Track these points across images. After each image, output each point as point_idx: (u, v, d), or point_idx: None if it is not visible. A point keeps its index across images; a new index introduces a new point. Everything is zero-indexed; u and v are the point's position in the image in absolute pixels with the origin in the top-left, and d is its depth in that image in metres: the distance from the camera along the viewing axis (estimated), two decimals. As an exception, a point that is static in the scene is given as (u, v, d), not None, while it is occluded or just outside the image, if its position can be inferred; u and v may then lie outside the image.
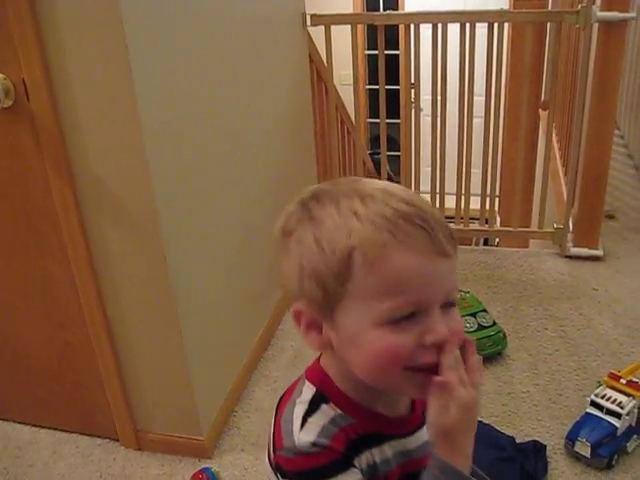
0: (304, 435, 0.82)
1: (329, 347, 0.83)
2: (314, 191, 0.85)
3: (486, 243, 5.20)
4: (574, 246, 3.26)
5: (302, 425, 0.83)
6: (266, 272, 2.69)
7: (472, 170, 3.30)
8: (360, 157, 3.58)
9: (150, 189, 1.81)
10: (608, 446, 2.06)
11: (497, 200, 3.62)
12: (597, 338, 2.68)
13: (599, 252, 3.25)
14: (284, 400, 0.92)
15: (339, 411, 0.84)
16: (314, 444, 0.80)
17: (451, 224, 3.37)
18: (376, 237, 0.75)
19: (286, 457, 0.82)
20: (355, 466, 0.83)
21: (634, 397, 2.11)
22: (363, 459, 0.84)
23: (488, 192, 3.32)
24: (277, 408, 0.93)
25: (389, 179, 5.34)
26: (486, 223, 3.47)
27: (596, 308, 2.89)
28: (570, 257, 3.25)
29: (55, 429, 2.37)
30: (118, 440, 2.29)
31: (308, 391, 0.87)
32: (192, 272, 2.09)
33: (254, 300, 2.65)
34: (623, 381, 2.15)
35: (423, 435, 0.89)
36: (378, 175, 3.62)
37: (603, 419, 2.08)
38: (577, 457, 2.11)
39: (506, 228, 3.54)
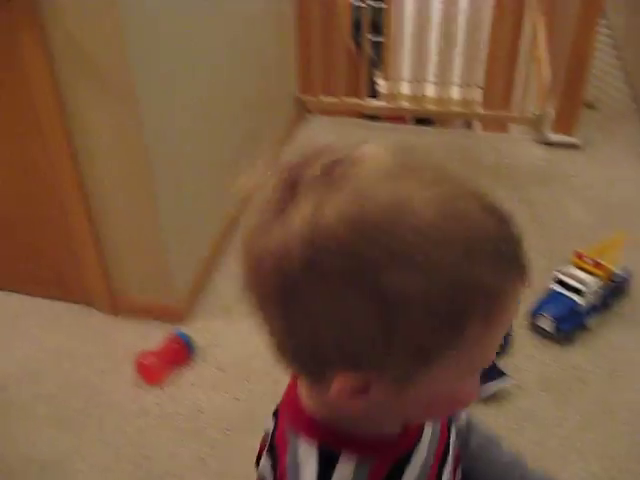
0: None
1: (369, 407, 0.61)
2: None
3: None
4: (553, 133, 3.26)
5: None
6: (243, 136, 2.69)
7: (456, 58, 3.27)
8: (343, 41, 3.51)
9: (124, 48, 1.78)
10: (570, 322, 2.14)
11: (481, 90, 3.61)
12: (568, 222, 2.73)
13: (577, 140, 3.26)
14: (280, 451, 0.72)
15: (355, 457, 0.66)
16: None
17: (430, 106, 3.35)
18: (503, 287, 0.56)
19: None
20: None
21: (598, 276, 2.17)
22: None
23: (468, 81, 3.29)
24: (272, 453, 0.75)
25: (372, 65, 5.25)
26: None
27: (570, 194, 2.92)
28: (548, 144, 3.26)
29: (29, 294, 2.41)
30: (93, 305, 2.33)
31: (309, 457, 0.67)
32: (168, 134, 2.08)
33: (232, 163, 2.64)
34: (589, 261, 2.20)
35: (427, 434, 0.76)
36: (360, 59, 3.53)
37: (566, 296, 2.15)
38: (540, 331, 2.19)
39: (486, 112, 3.52)
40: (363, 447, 0.67)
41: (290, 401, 0.73)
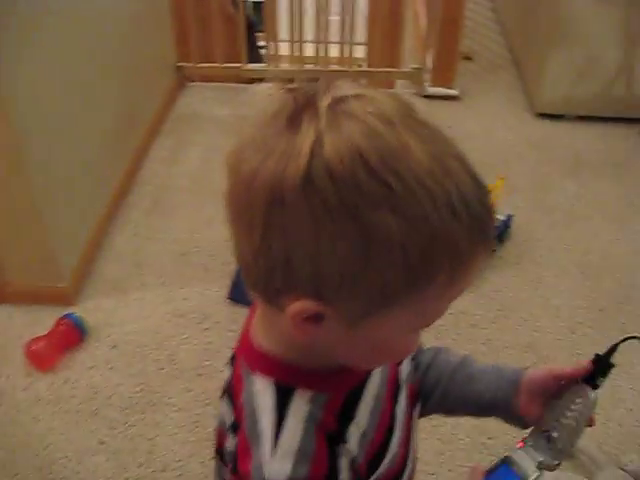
0: (278, 464, 0.65)
1: (323, 339, 0.63)
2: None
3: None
4: (431, 86, 3.33)
5: (273, 448, 0.66)
6: (123, 109, 2.62)
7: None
8: (221, 5, 3.44)
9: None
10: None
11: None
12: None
13: (455, 92, 3.34)
14: (237, 391, 0.73)
15: (310, 392, 0.68)
16: (291, 479, 0.65)
17: (310, 66, 3.35)
18: (472, 246, 0.58)
19: None
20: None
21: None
22: (345, 449, 0.70)
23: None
24: (229, 396, 0.75)
25: (254, 28, 5.18)
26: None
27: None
28: (428, 97, 3.32)
29: None
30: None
31: (265, 391, 0.69)
32: (41, 111, 2.01)
33: (111, 145, 2.58)
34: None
35: None
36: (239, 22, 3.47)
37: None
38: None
39: (365, 69, 3.54)
40: (317, 382, 0.69)
41: (245, 343, 0.73)
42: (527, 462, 0.77)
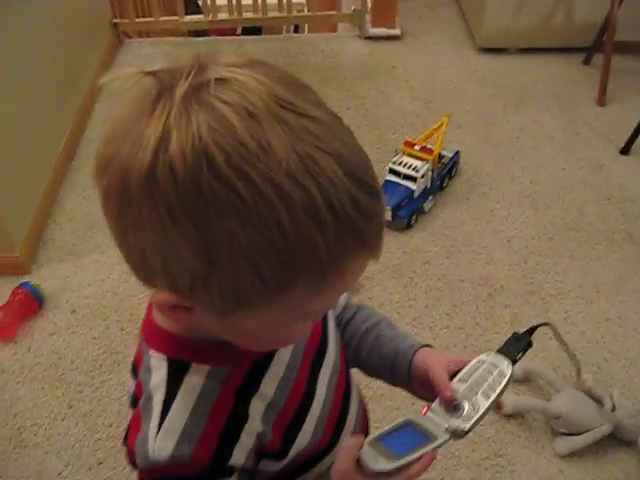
0: (161, 441, 0.64)
1: (199, 325, 0.62)
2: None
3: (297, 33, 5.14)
4: (373, 27, 3.31)
5: (160, 424, 0.65)
6: (61, 70, 2.57)
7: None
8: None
9: None
10: (406, 208, 2.24)
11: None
12: (396, 112, 2.81)
13: (397, 31, 3.33)
14: (138, 366, 0.72)
15: (207, 367, 0.66)
16: (172, 457, 0.64)
17: (248, 13, 3.30)
18: (341, 254, 0.54)
19: (140, 465, 0.66)
20: (230, 470, 0.67)
21: (427, 161, 2.27)
22: (245, 439, 0.68)
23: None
24: (134, 371, 0.76)
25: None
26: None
27: (395, 85, 3.00)
28: (370, 38, 3.30)
29: None
30: None
31: (159, 366, 0.67)
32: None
33: (52, 109, 2.53)
34: (417, 147, 2.29)
35: None
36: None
37: (400, 184, 2.24)
38: (380, 222, 2.27)
39: (305, 14, 3.50)
40: (215, 356, 0.67)
41: (146, 319, 0.71)
42: (433, 426, 0.72)
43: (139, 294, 2.10)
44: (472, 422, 0.73)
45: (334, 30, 3.86)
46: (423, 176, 2.24)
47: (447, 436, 0.71)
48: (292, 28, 5.25)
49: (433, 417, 0.74)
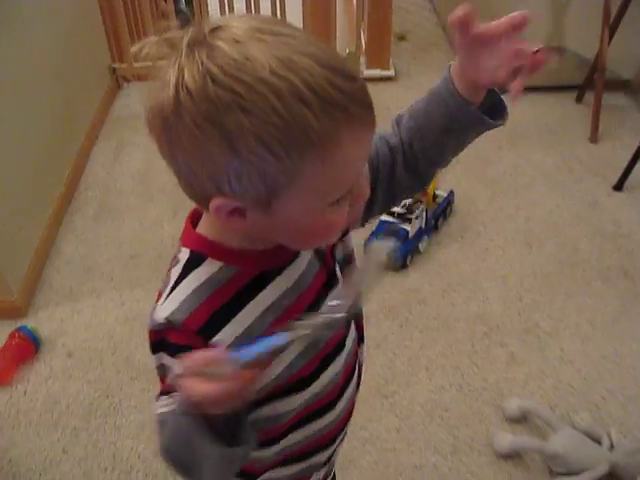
0: (163, 306, 0.77)
1: (252, 227, 0.73)
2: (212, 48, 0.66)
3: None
4: (367, 68, 3.36)
5: (168, 295, 0.77)
6: (59, 115, 2.60)
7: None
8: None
9: None
10: (402, 248, 2.25)
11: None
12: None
13: (391, 72, 3.38)
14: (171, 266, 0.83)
15: (219, 263, 0.78)
16: (167, 320, 0.75)
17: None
18: (332, 128, 0.65)
19: (148, 327, 0.78)
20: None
21: (422, 201, 2.29)
22: (230, 330, 0.77)
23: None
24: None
25: (183, 19, 5.12)
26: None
27: (389, 126, 3.02)
28: (364, 79, 3.34)
29: None
30: None
31: (183, 257, 0.80)
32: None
33: (51, 153, 2.56)
34: (411, 187, 2.30)
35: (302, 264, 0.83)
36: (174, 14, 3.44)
37: (394, 224, 2.25)
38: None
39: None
40: (230, 256, 0.78)
41: (185, 231, 0.83)
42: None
43: (135, 337, 2.11)
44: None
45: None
46: (417, 217, 2.26)
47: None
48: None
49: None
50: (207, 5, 3.35)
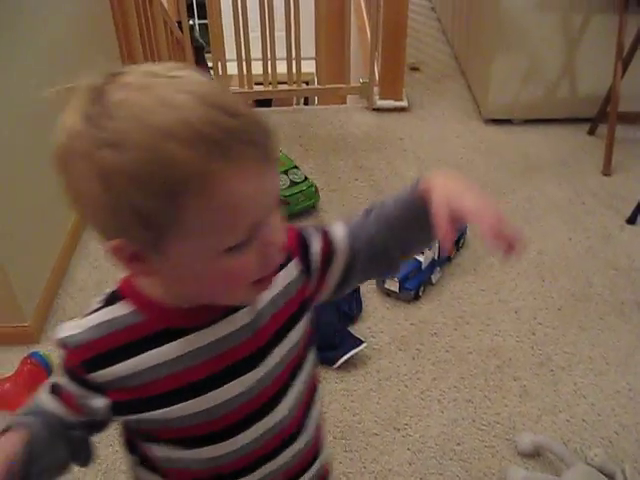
0: (66, 326, 0.80)
1: (156, 274, 0.73)
2: (99, 99, 0.66)
3: (307, 104, 5.26)
4: (380, 99, 3.39)
5: (80, 319, 0.80)
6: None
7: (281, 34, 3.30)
8: (161, 23, 3.45)
9: None
10: (414, 280, 2.25)
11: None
12: (403, 183, 2.83)
13: (404, 103, 3.40)
14: None
15: (131, 307, 0.78)
16: (64, 338, 0.79)
17: (259, 87, 3.38)
18: (208, 166, 0.63)
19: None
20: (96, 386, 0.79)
21: (435, 232, 2.29)
22: (116, 370, 0.78)
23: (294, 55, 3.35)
24: None
25: (199, 48, 5.19)
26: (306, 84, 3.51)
27: (402, 156, 3.05)
28: (377, 110, 3.38)
29: None
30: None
31: (109, 291, 0.81)
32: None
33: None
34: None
35: (233, 323, 0.81)
36: (190, 43, 3.49)
37: (408, 255, 2.25)
38: (387, 293, 2.29)
39: (315, 87, 3.58)
40: (142, 304, 0.78)
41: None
42: None
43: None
44: None
45: (344, 101, 3.95)
46: (430, 248, 2.26)
47: None
48: (302, 100, 5.41)
49: None
50: (223, 37, 3.40)
